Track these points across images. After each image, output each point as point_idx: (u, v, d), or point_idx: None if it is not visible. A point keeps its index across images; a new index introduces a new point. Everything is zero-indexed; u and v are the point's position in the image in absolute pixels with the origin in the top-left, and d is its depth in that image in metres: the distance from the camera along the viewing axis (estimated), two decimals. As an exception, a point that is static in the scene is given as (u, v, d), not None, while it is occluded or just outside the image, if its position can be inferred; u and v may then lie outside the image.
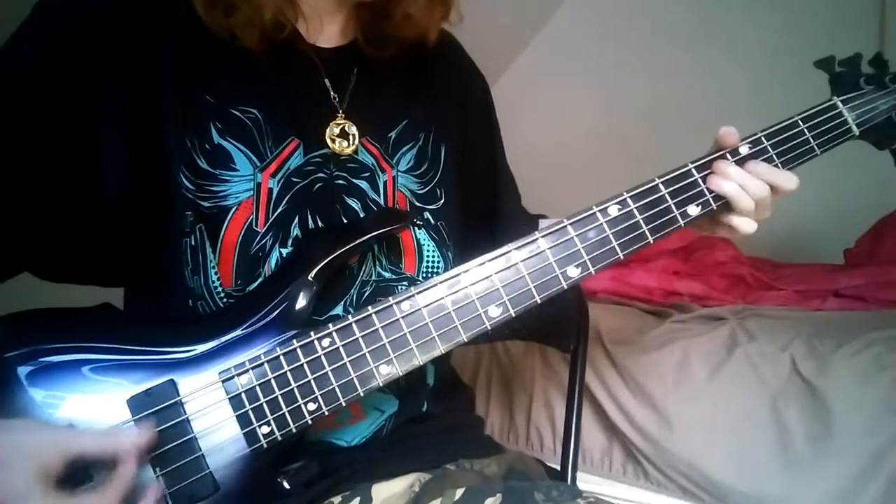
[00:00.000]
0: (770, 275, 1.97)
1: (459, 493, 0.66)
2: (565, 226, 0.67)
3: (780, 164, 0.72)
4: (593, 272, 0.67)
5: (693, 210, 0.70)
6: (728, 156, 0.71)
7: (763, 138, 0.72)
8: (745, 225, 0.72)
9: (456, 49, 0.90)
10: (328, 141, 0.72)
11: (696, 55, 2.49)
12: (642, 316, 1.71)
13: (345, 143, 0.73)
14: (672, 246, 2.04)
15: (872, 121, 0.76)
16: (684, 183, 0.70)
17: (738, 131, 0.72)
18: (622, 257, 0.68)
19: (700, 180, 0.71)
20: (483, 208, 0.89)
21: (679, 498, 1.41)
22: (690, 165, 0.71)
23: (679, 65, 2.50)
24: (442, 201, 0.79)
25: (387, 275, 0.74)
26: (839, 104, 0.75)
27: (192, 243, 0.66)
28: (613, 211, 0.68)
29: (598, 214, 0.68)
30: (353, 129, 0.74)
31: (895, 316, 1.53)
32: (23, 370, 0.59)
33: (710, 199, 0.71)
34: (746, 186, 0.70)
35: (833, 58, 0.77)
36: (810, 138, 0.73)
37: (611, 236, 0.68)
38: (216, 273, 0.67)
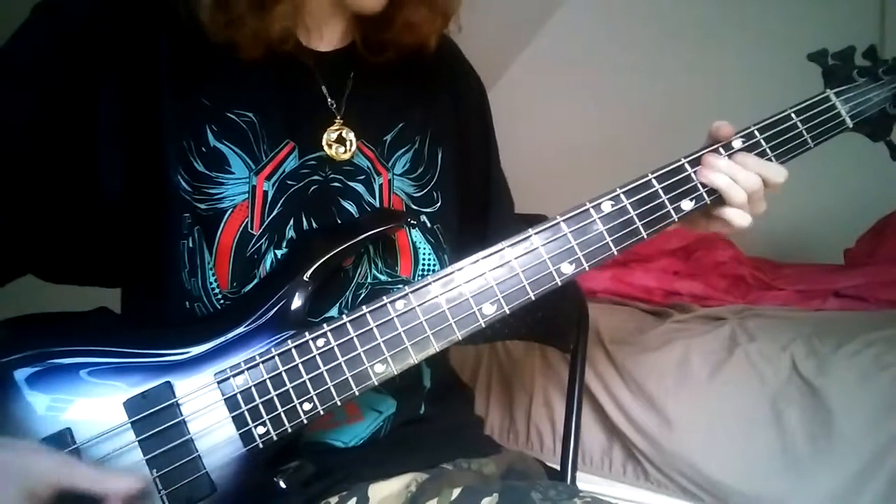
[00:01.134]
0: (770, 275, 1.97)
1: (456, 492, 0.66)
2: (559, 222, 0.67)
3: (773, 158, 0.72)
4: (587, 268, 0.67)
5: (686, 204, 0.70)
6: (721, 149, 0.71)
7: (756, 132, 0.72)
8: (738, 218, 0.71)
9: (453, 52, 0.89)
10: (325, 146, 0.72)
11: (696, 56, 2.49)
12: (642, 316, 1.71)
13: (342, 149, 0.73)
14: (672, 246, 2.04)
15: (866, 113, 0.76)
16: (677, 178, 0.70)
17: (736, 127, 0.72)
18: (616, 253, 0.68)
19: (693, 175, 0.70)
20: (476, 212, 0.89)
21: (679, 498, 1.41)
22: (683, 160, 0.71)
23: (678, 65, 2.50)
24: (438, 204, 0.79)
25: (382, 277, 0.74)
26: (832, 97, 0.75)
27: (190, 245, 0.67)
28: (607, 207, 0.68)
29: (592, 211, 0.68)
30: (351, 136, 0.74)
31: (895, 316, 1.53)
32: (20, 374, 0.59)
33: (704, 194, 0.70)
34: (737, 178, 0.69)
35: (826, 51, 0.76)
36: (804, 131, 0.73)
37: (604, 232, 0.67)
38: (213, 275, 0.67)
